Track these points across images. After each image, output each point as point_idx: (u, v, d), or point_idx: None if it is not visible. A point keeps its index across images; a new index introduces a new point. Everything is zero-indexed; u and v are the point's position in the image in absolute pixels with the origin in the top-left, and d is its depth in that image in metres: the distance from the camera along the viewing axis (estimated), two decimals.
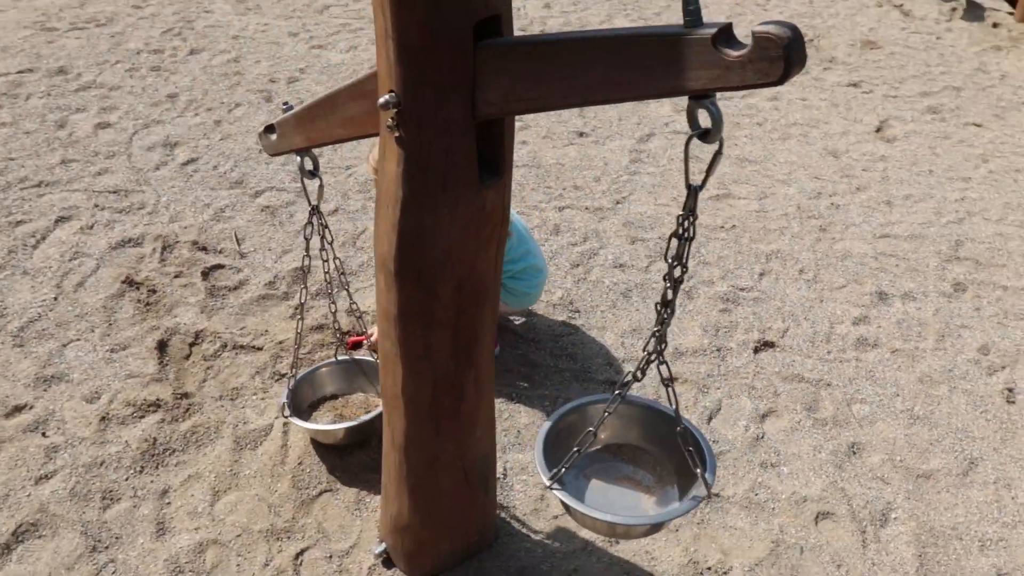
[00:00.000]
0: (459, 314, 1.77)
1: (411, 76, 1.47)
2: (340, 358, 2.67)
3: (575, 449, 1.68)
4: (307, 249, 2.25)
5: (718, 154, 1.33)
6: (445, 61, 1.45)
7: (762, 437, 2.87)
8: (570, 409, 1.86)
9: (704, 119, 1.30)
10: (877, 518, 2.67)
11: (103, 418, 2.61)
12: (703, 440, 1.74)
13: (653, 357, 1.57)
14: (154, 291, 3.13)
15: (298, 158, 2.05)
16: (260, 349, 2.92)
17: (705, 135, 1.30)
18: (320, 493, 2.43)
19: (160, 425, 2.60)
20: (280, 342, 2.95)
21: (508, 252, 2.78)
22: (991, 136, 5.23)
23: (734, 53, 1.19)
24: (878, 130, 5.27)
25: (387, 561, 2.25)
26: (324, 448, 2.55)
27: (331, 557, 2.27)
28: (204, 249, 3.37)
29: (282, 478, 2.46)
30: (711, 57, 1.22)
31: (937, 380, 3.29)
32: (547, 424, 1.82)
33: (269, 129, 2.06)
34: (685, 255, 1.43)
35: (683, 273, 1.45)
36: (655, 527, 1.72)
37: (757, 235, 3.96)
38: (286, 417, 2.46)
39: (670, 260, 1.45)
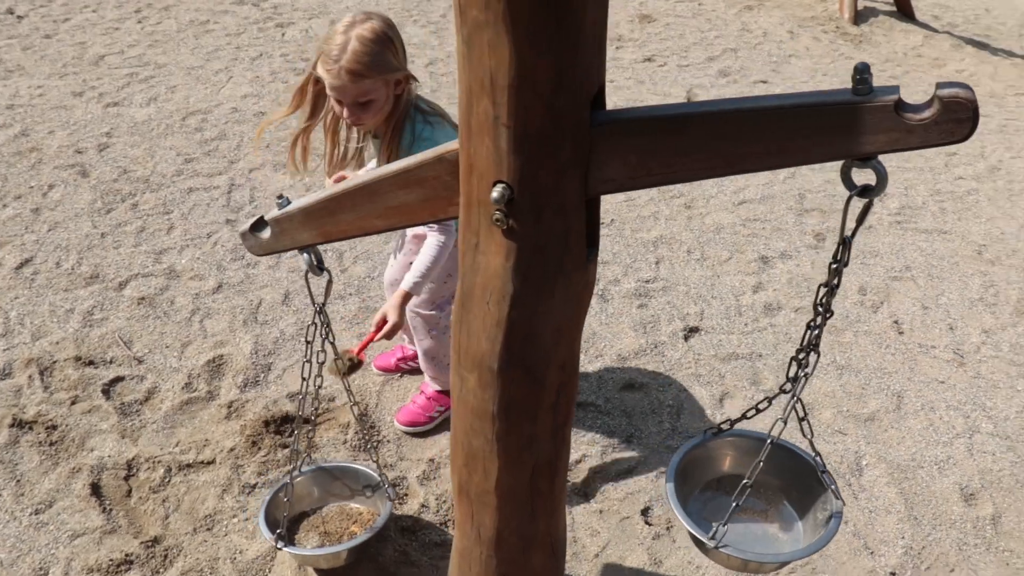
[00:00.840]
0: (559, 395, 1.68)
1: (529, 163, 1.35)
2: (303, 469, 2.39)
3: (734, 504, 1.66)
4: (308, 354, 2.01)
5: (868, 209, 1.35)
6: (566, 143, 1.35)
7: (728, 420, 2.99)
8: (689, 449, 1.85)
9: (863, 177, 1.31)
10: (853, 468, 2.87)
11: None
12: (811, 455, 1.78)
13: (793, 400, 1.59)
14: (54, 427, 2.69)
15: (304, 255, 1.83)
16: (212, 463, 2.61)
17: (865, 191, 1.31)
18: None
19: None
20: (231, 449, 2.65)
21: None
22: (779, 90, 5.74)
23: (917, 117, 1.21)
24: (688, 101, 5.59)
25: None
26: (323, 572, 2.32)
27: None
28: (91, 363, 2.94)
29: None
30: (892, 122, 1.23)
31: (840, 328, 3.58)
32: (671, 470, 1.80)
33: (258, 226, 1.82)
34: (837, 286, 1.46)
35: (827, 318, 1.48)
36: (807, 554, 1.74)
37: (636, 224, 4.08)
38: (280, 549, 2.17)
39: (820, 307, 1.47)
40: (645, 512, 2.62)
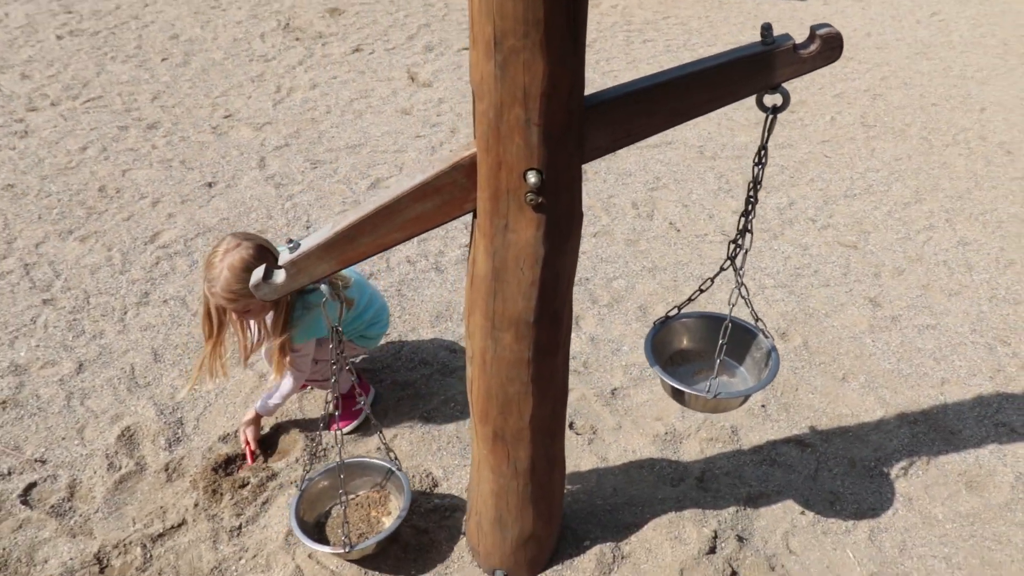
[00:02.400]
0: (568, 331, 2.08)
1: (553, 152, 1.72)
2: (318, 471, 2.59)
3: (718, 359, 2.16)
4: (335, 367, 2.20)
5: (775, 120, 1.88)
6: (574, 132, 1.74)
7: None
8: (658, 328, 2.34)
9: (772, 100, 1.84)
10: None
11: None
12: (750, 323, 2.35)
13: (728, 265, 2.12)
14: None
15: (324, 286, 2.02)
16: (183, 524, 2.65)
17: (775, 110, 1.84)
18: None
19: None
20: (195, 505, 2.70)
21: (357, 305, 2.91)
22: None
23: (807, 52, 1.76)
24: (412, 80, 6.00)
25: None
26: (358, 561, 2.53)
27: None
28: None
29: None
30: (792, 59, 1.76)
31: (632, 240, 4.25)
32: (647, 346, 2.26)
33: (269, 274, 1.99)
34: (759, 181, 1.98)
35: (755, 207, 2.02)
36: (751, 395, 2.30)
37: None
38: (348, 551, 2.36)
39: (749, 200, 2.00)
40: (571, 426, 3.08)
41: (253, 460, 2.82)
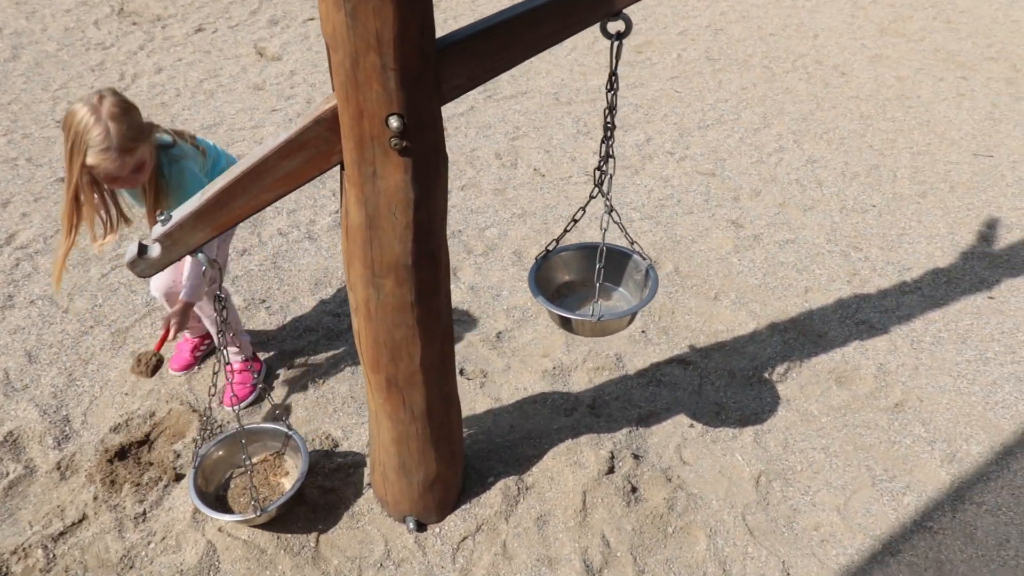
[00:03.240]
0: (446, 270, 2.14)
1: (412, 95, 1.77)
2: (216, 439, 2.59)
3: (598, 283, 2.26)
4: (220, 336, 2.20)
5: (621, 46, 1.98)
6: (430, 73, 1.79)
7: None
8: (540, 264, 2.42)
9: (615, 27, 1.94)
10: None
11: None
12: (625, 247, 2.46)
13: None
14: None
15: (199, 256, 2.01)
16: (84, 519, 2.60)
17: (619, 36, 1.94)
18: (317, 543, 2.51)
19: None
20: (94, 499, 2.65)
21: (209, 155, 2.79)
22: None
23: None
24: (261, 55, 5.87)
25: (420, 525, 2.53)
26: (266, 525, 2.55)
27: (381, 565, 2.46)
28: None
29: (277, 558, 2.46)
30: None
31: (499, 189, 4.33)
32: (531, 281, 2.36)
33: (143, 250, 1.96)
34: (614, 108, 2.08)
35: (612, 132, 2.12)
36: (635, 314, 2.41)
37: None
38: (262, 512, 2.37)
39: (606, 127, 2.10)
40: (462, 372, 3.17)
41: (162, 344, 2.72)
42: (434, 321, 2.14)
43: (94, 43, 5.92)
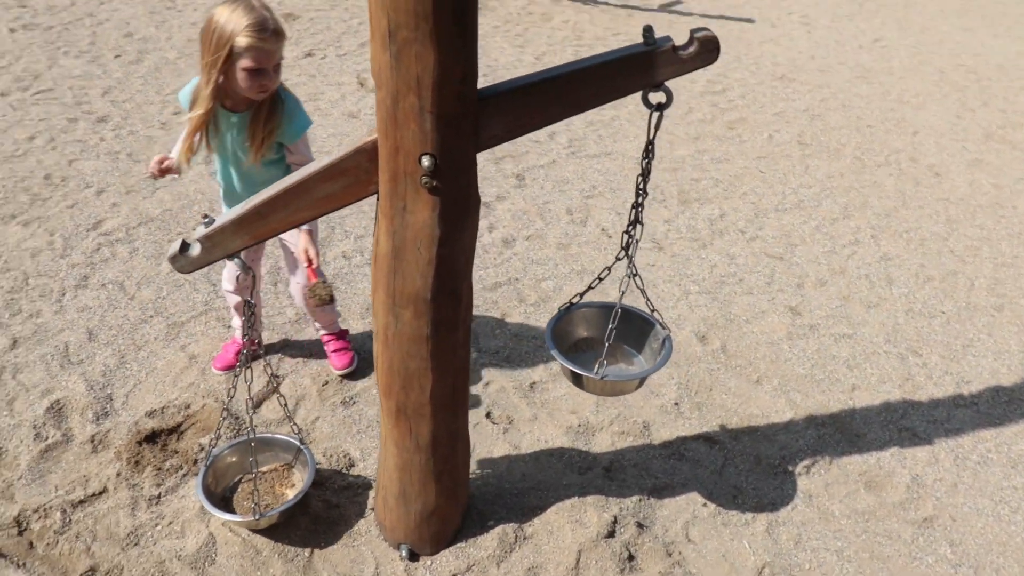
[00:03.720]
0: (468, 308, 2.21)
1: (445, 138, 1.85)
2: (232, 441, 2.70)
3: (607, 344, 2.29)
4: (246, 340, 2.30)
5: (661, 117, 2.02)
6: (468, 120, 1.87)
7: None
8: (560, 316, 2.46)
9: (656, 98, 1.99)
10: None
11: None
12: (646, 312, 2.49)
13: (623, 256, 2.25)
14: None
15: (235, 260, 2.13)
16: (104, 492, 2.74)
17: (659, 107, 1.99)
18: (311, 554, 2.58)
19: None
20: (117, 475, 2.79)
21: None
22: None
23: (686, 53, 1.91)
24: (361, 85, 6.12)
25: (412, 555, 2.57)
26: (266, 531, 2.63)
27: None
28: None
29: (271, 561, 2.53)
30: (673, 59, 1.91)
31: (564, 243, 4.39)
32: (549, 334, 2.39)
33: (185, 247, 2.10)
34: (648, 174, 2.12)
35: (644, 199, 2.17)
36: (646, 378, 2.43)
37: None
38: (260, 518, 2.45)
39: (638, 191, 2.14)
40: (488, 416, 3.21)
41: (316, 276, 2.73)
42: (448, 357, 2.20)
43: None
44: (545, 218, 4.64)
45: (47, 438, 2.90)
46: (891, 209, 5.19)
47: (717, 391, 3.47)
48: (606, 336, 2.31)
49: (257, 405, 3.13)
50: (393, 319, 2.12)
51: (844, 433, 3.33)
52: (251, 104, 2.62)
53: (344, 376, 3.26)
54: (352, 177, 1.98)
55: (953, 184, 5.58)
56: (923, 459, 3.24)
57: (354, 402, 3.19)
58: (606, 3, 8.99)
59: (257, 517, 2.40)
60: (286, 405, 2.66)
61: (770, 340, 3.83)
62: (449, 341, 2.17)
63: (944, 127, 6.49)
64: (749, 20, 9.17)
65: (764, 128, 6.20)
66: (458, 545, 2.62)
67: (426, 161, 1.85)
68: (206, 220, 2.07)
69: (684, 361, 3.61)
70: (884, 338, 3.95)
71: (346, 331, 3.38)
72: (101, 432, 2.93)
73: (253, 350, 3.07)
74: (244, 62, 2.45)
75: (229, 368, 3.22)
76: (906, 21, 9.82)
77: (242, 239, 2.07)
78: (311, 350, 3.44)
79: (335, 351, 3.29)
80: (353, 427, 3.08)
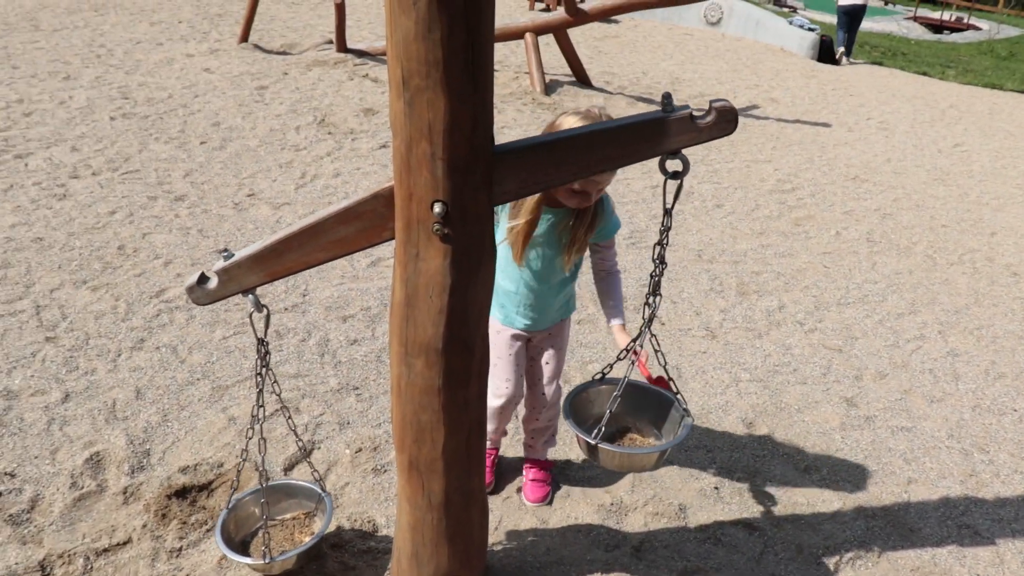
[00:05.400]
0: (482, 362, 2.19)
1: (457, 185, 1.89)
2: (246, 492, 2.70)
3: (608, 411, 2.25)
4: (259, 380, 2.33)
5: (680, 187, 2.02)
6: (479, 168, 1.91)
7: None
8: (577, 391, 2.43)
9: (672, 165, 1.99)
10: None
11: None
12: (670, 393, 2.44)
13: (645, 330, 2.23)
14: None
15: (250, 296, 2.18)
16: (128, 542, 2.76)
17: (675, 175, 1.99)
18: None
19: None
20: (143, 526, 2.81)
21: None
22: None
23: (704, 122, 1.92)
24: (321, 122, 6.32)
25: None
26: None
27: None
28: None
29: None
30: (690, 127, 1.92)
31: None
32: (566, 404, 2.36)
33: (203, 279, 2.16)
34: (663, 255, 2.11)
35: (663, 269, 2.15)
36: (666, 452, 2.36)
37: None
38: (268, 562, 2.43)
39: (655, 261, 2.13)
40: (519, 491, 3.14)
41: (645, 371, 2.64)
42: (460, 410, 2.18)
43: (290, 144, 6.61)
44: (598, 305, 4.63)
45: (82, 487, 2.95)
46: (962, 307, 5.01)
47: (761, 478, 3.33)
48: (609, 403, 2.27)
49: (289, 468, 3.14)
50: (406, 369, 2.13)
51: (896, 527, 3.14)
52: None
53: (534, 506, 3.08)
54: (367, 221, 2.03)
55: None
56: (986, 559, 3.02)
57: (385, 471, 3.17)
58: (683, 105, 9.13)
59: (268, 560, 2.38)
60: (309, 458, 2.66)
61: (822, 430, 3.68)
62: (461, 394, 2.16)
63: None
64: (826, 124, 9.18)
65: (832, 225, 6.11)
66: None
67: (437, 208, 1.88)
68: (225, 254, 2.13)
69: (728, 446, 3.49)
70: (947, 433, 3.75)
71: (552, 463, 3.21)
72: (134, 485, 2.97)
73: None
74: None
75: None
76: (990, 128, 9.69)
77: (257, 275, 2.12)
78: (348, 418, 3.45)
79: (533, 480, 3.10)
80: (382, 494, 3.05)
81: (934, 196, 6.91)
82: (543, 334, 2.85)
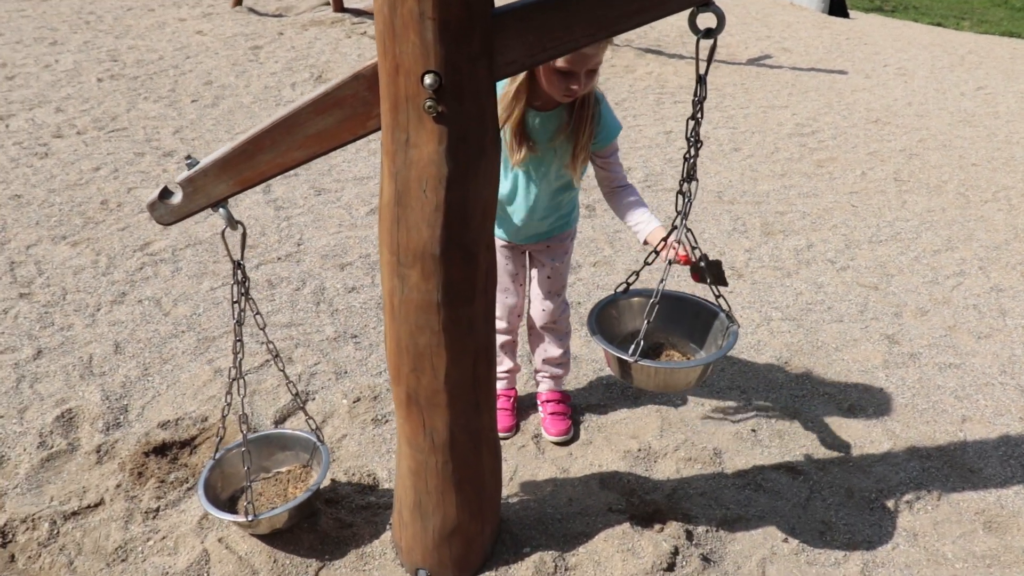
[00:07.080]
0: (487, 276, 1.88)
1: (451, 52, 1.57)
2: (233, 443, 2.40)
3: (646, 321, 1.94)
4: (235, 312, 2.04)
5: (714, 47, 1.69)
6: (476, 33, 1.59)
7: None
8: (601, 306, 2.17)
9: (704, 21, 1.66)
10: None
11: None
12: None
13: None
14: None
15: (221, 210, 1.88)
16: (100, 504, 2.47)
17: (708, 33, 1.66)
18: (315, 573, 2.24)
19: None
20: (117, 486, 2.53)
21: None
22: None
23: None
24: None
25: None
26: (266, 539, 2.31)
27: None
28: None
29: None
30: None
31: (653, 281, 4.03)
32: (592, 321, 2.08)
33: (166, 194, 1.86)
34: (698, 134, 1.79)
35: (699, 148, 1.82)
36: (708, 367, 2.04)
37: None
38: (250, 519, 2.14)
39: (690, 139, 1.80)
40: (535, 438, 2.84)
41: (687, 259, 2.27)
42: (464, 332, 1.87)
43: (285, 100, 6.29)
44: (615, 246, 4.32)
45: (51, 447, 2.67)
46: (1001, 242, 4.66)
47: (802, 419, 3.02)
48: (646, 313, 1.95)
49: (281, 421, 2.84)
50: (399, 283, 1.82)
51: (954, 467, 2.83)
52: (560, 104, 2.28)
53: (558, 444, 2.83)
54: (349, 109, 1.72)
55: None
56: None
57: (387, 421, 2.88)
58: (692, 57, 8.75)
59: (252, 518, 2.08)
60: (305, 409, 2.36)
61: (864, 368, 3.37)
62: (464, 312, 1.85)
63: None
64: (842, 72, 8.80)
65: (857, 166, 5.76)
66: (486, 574, 2.24)
67: (429, 79, 1.57)
68: (189, 161, 1.83)
69: (763, 387, 3.18)
70: (999, 369, 3.43)
71: (569, 395, 2.99)
72: (109, 443, 2.69)
73: None
74: (556, 61, 2.10)
75: (508, 430, 2.85)
76: (1012, 72, 9.27)
77: (226, 184, 1.82)
78: (346, 367, 3.15)
79: (552, 414, 2.86)
80: (383, 446, 2.76)
81: (961, 136, 6.54)
82: (541, 246, 2.61)
